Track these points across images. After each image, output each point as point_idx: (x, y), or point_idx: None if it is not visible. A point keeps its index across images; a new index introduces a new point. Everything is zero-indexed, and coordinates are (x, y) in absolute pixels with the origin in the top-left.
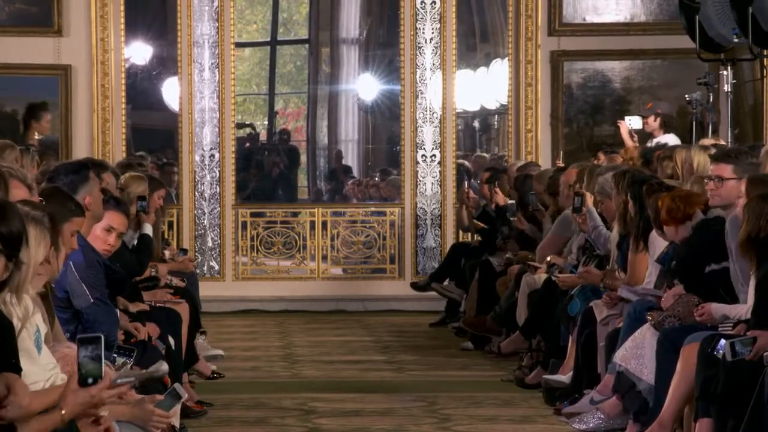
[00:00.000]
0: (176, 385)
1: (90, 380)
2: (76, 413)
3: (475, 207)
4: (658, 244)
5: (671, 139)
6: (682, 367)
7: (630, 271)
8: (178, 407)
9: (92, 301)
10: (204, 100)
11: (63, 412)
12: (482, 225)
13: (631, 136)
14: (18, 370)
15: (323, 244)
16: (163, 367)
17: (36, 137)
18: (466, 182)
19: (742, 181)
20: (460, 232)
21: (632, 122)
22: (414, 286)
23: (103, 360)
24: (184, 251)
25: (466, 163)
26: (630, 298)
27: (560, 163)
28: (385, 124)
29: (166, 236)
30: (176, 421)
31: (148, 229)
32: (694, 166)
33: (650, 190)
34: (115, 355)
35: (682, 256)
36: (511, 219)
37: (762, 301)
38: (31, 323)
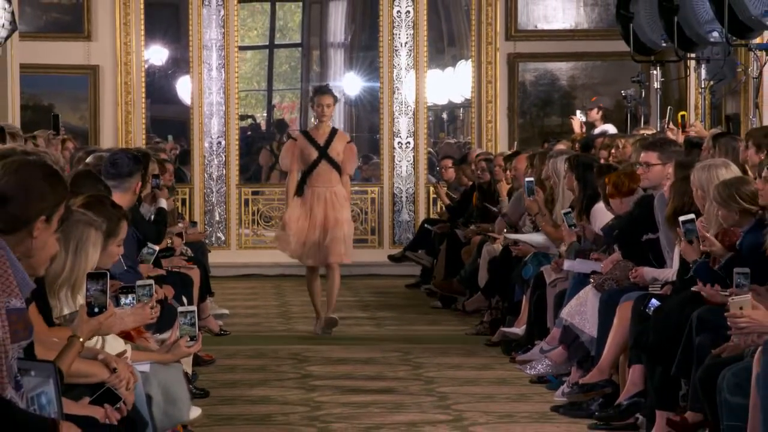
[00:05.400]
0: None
1: (96, 309)
2: (89, 339)
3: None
4: (599, 216)
5: (610, 128)
6: (618, 322)
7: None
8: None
9: (125, 268)
10: (212, 95)
11: (81, 339)
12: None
13: (581, 128)
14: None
15: None
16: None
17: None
18: (435, 183)
19: (666, 165)
20: (431, 208)
21: (582, 116)
22: (391, 258)
23: (108, 293)
24: (194, 224)
25: (432, 151)
26: (572, 270)
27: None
28: (367, 116)
29: (180, 211)
30: (188, 368)
31: (163, 203)
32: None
33: (600, 171)
34: (120, 295)
35: (622, 226)
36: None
37: (684, 265)
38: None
